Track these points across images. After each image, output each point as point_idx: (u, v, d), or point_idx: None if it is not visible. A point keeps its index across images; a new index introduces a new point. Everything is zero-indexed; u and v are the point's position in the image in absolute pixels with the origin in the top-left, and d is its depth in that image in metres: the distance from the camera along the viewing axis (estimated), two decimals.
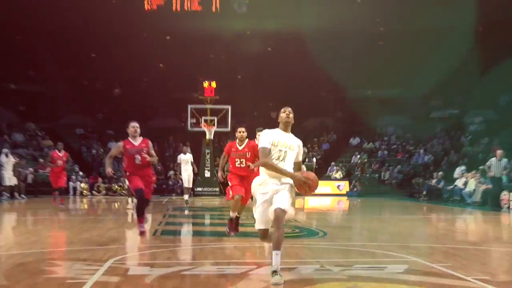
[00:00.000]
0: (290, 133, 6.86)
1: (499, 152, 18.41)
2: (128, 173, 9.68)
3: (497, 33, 28.67)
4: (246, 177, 9.38)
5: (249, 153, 9.67)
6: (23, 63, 32.43)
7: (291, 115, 6.85)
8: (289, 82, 33.62)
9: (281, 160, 6.69)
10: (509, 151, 21.83)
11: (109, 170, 9.40)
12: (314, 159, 31.75)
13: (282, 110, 6.88)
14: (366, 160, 31.42)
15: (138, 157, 9.32)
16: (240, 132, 9.78)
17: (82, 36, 33.06)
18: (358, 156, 31.64)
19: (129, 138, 9.51)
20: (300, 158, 6.99)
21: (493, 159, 18.40)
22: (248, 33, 33.89)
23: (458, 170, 23.71)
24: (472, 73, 29.72)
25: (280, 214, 6.45)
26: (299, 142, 6.90)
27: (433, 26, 32.05)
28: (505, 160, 18.36)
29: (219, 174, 10.47)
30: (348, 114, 34.93)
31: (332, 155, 32.36)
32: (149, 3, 34.06)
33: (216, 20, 33.75)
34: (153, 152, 9.64)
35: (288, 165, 6.73)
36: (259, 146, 6.85)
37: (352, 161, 31.54)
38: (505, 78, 27.66)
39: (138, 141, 9.51)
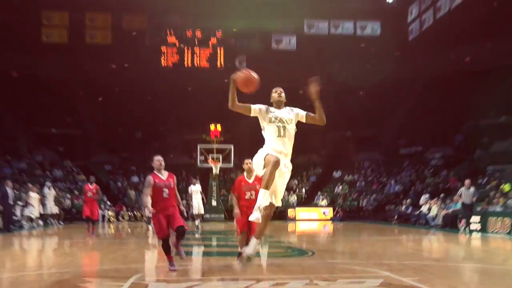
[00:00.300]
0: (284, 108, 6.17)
1: (467, 181, 17.90)
2: (154, 210, 8.15)
3: (449, 82, 28.93)
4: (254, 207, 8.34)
5: (259, 185, 8.01)
6: (62, 111, 32.63)
7: (283, 94, 6.19)
8: None
9: (283, 136, 5.99)
10: (464, 181, 21.93)
11: (150, 208, 8.14)
12: (304, 190, 31.77)
13: (274, 90, 6.22)
14: (347, 190, 31.34)
15: (166, 190, 8.11)
16: (247, 164, 8.68)
17: (110, 90, 33.41)
18: (340, 186, 31.58)
19: (155, 172, 8.26)
20: (304, 114, 6.10)
21: (463, 188, 17.86)
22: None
23: (423, 198, 23.62)
24: (432, 116, 29.95)
25: (272, 209, 6.01)
26: (292, 108, 6.16)
27: (400, 77, 32.44)
28: (472, 189, 17.89)
29: (237, 211, 8.72)
30: (331, 151, 34.97)
31: (318, 186, 32.28)
32: (165, 60, 34.44)
33: (221, 74, 34.10)
34: (176, 190, 8.37)
35: (289, 140, 6.02)
36: None
37: (335, 191, 31.44)
38: (459, 120, 27.89)
39: (165, 175, 8.27)
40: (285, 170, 5.96)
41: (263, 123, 6.13)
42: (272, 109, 6.13)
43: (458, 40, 27.74)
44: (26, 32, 30.99)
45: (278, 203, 6.06)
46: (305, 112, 6.14)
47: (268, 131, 6.05)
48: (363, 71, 32.74)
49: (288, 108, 6.17)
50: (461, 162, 25.61)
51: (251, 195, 8.49)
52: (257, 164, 6.06)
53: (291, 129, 6.04)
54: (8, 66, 30.40)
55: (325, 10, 32.51)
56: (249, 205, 8.12)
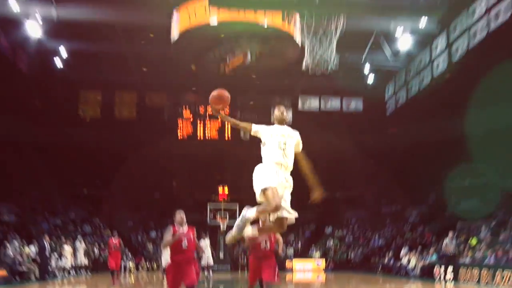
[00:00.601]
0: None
1: (450, 234, 17.90)
2: (169, 262, 7.66)
3: (421, 151, 29.33)
4: (268, 256, 7.81)
5: (273, 235, 7.91)
6: (93, 175, 33.06)
7: (285, 113, 5.52)
8: None
9: (283, 149, 5.24)
10: (437, 236, 22.03)
11: (176, 236, 7.33)
12: (299, 243, 31.67)
13: (277, 108, 5.55)
14: (337, 244, 31.26)
15: (185, 241, 7.44)
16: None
17: (132, 160, 33.72)
18: (331, 241, 31.52)
19: (176, 225, 7.66)
20: (300, 148, 5.46)
21: (447, 240, 17.74)
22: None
23: (403, 251, 23.60)
24: (409, 180, 30.21)
25: (283, 222, 5.24)
26: (296, 131, 5.46)
27: (381, 147, 32.90)
28: (454, 241, 17.96)
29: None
30: (323, 210, 34.89)
31: (312, 240, 32.22)
32: (181, 132, 35.02)
33: (228, 144, 34.57)
34: (196, 240, 7.75)
35: (290, 154, 5.30)
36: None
37: (327, 245, 31.35)
38: (431, 183, 28.14)
39: (185, 228, 7.63)
40: (286, 185, 5.30)
41: (264, 138, 5.41)
42: (274, 125, 5.51)
43: (426, 115, 28.46)
44: (66, 108, 32.03)
45: (292, 215, 5.31)
46: (301, 147, 5.54)
47: (269, 144, 5.34)
48: (350, 141, 33.29)
49: (289, 127, 5.52)
50: (435, 219, 25.72)
51: (266, 244, 7.88)
52: (254, 179, 5.25)
53: (292, 144, 5.38)
54: (49, 137, 31.15)
55: (317, 88, 33.34)
56: (264, 255, 7.80)
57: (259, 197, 5.11)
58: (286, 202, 5.23)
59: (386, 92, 32.98)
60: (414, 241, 24.89)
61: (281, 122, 5.48)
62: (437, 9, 13.73)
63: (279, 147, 5.25)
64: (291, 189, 5.33)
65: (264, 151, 5.36)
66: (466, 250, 19.35)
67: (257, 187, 5.12)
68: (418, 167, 29.77)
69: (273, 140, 5.29)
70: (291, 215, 5.25)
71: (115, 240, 16.99)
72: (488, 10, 19.88)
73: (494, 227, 19.98)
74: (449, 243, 17.70)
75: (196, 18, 20.08)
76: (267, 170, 5.15)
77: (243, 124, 5.54)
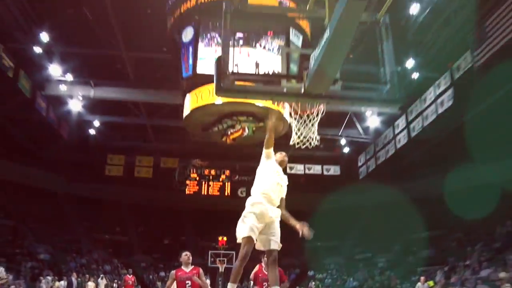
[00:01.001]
0: None
1: (422, 278, 17.86)
2: None
3: (388, 208, 30.03)
4: None
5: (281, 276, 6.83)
6: (113, 223, 33.39)
7: (286, 158, 5.31)
8: None
9: (277, 191, 5.03)
10: (403, 279, 22.37)
11: (171, 281, 6.90)
12: (288, 284, 31.47)
13: (279, 153, 5.29)
14: (318, 285, 31.07)
15: (188, 282, 6.70)
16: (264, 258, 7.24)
17: (148, 209, 34.26)
18: (313, 283, 31.33)
19: (182, 267, 7.02)
20: (284, 194, 5.14)
21: (419, 283, 17.63)
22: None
23: None
24: (378, 232, 30.72)
25: (276, 254, 4.84)
26: (285, 176, 5.21)
27: (355, 204, 33.53)
28: (426, 284, 17.85)
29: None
30: (306, 257, 34.94)
31: (297, 282, 31.92)
32: (189, 190, 35.48)
33: (227, 200, 35.03)
34: (204, 279, 6.91)
35: (282, 193, 5.07)
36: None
37: (309, 286, 31.19)
38: (397, 234, 28.69)
39: (189, 268, 6.96)
40: (273, 218, 5.04)
41: (267, 166, 5.10)
42: (276, 163, 5.19)
43: (392, 179, 29.45)
44: (96, 167, 32.86)
45: (279, 247, 5.03)
46: (284, 196, 5.20)
47: (269, 175, 5.04)
48: (329, 200, 33.87)
49: (283, 172, 5.23)
50: (400, 265, 26.06)
51: (268, 285, 6.71)
52: (242, 217, 4.90)
53: (285, 188, 5.18)
54: (80, 190, 31.90)
55: (301, 158, 34.28)
56: None
57: (238, 238, 4.87)
58: (275, 234, 4.97)
59: (359, 160, 34.01)
60: (383, 284, 25.15)
61: (282, 164, 5.26)
62: (397, 100, 15.06)
63: (276, 183, 5.02)
64: (279, 219, 5.09)
65: (262, 177, 5.03)
66: None
67: (239, 231, 4.88)
68: (385, 221, 30.47)
69: (274, 176, 5.01)
70: (280, 246, 5.00)
71: (130, 276, 17.47)
72: (435, 99, 21.64)
73: (446, 272, 20.56)
74: (420, 286, 17.90)
75: (203, 99, 21.37)
76: (253, 212, 4.78)
77: (271, 140, 5.16)
